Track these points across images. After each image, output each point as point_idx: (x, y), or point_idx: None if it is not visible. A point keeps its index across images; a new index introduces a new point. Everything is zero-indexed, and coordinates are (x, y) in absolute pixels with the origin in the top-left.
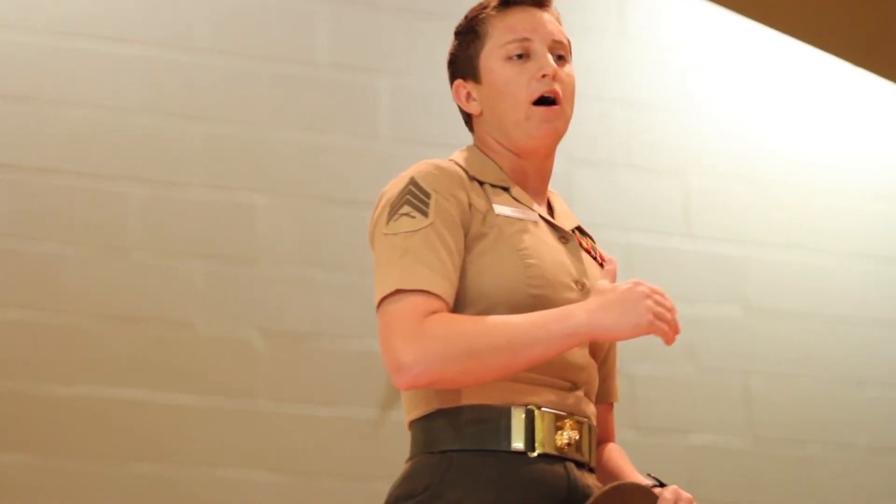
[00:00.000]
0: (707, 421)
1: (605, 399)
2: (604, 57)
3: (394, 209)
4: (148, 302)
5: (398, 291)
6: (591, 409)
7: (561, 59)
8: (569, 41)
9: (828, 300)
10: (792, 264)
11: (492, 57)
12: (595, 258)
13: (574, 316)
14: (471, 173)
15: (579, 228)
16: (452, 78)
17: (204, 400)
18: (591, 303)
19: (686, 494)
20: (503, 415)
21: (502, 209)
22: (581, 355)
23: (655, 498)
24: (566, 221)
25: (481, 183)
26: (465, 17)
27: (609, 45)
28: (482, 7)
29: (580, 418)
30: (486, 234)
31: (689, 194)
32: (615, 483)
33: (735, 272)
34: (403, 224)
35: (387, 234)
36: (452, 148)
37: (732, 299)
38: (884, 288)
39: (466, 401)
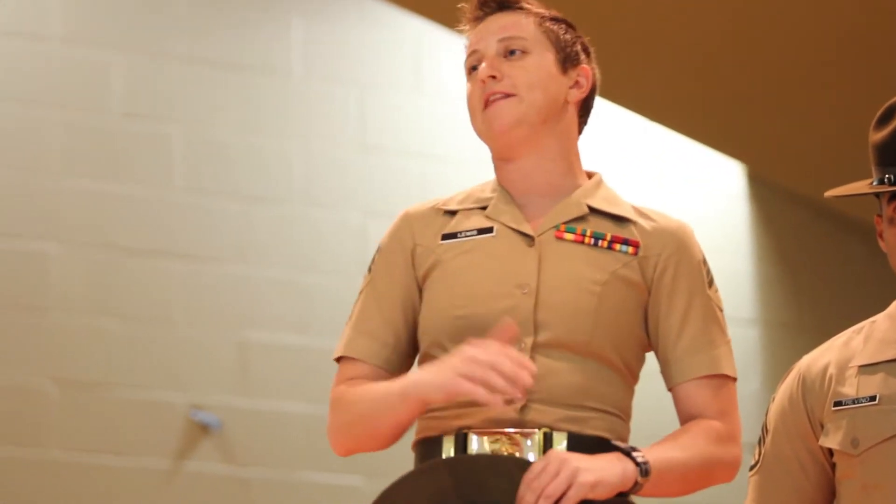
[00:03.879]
0: None
1: (676, 380)
2: (400, 111)
3: None
4: None
5: (338, 359)
6: (547, 416)
7: (513, 53)
8: (546, 29)
9: None
10: None
11: (466, 78)
12: (601, 243)
13: (407, 379)
14: (452, 204)
15: (601, 212)
16: None
17: None
18: (429, 366)
19: (556, 463)
20: (436, 444)
21: (450, 238)
22: None
23: (518, 467)
24: (563, 214)
25: (454, 212)
26: None
27: (404, 99)
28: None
29: (525, 431)
30: (434, 266)
31: None
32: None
33: None
34: (362, 283)
35: None
36: (245, 199)
37: None
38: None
39: (418, 435)
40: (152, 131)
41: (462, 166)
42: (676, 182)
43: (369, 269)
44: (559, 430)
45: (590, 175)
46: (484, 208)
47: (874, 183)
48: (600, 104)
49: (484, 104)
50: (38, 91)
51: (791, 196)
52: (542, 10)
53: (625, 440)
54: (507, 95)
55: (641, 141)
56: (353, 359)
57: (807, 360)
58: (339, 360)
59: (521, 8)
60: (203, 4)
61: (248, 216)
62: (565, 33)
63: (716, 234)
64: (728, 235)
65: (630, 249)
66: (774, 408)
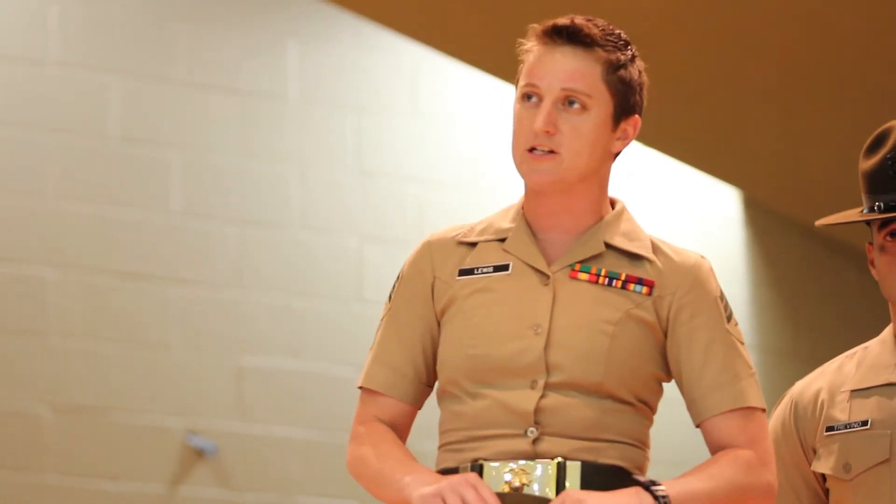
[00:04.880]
0: None
1: (703, 417)
2: (397, 135)
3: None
4: None
5: (360, 387)
6: (560, 447)
7: (573, 104)
8: (611, 79)
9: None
10: None
11: (516, 94)
12: (615, 283)
13: (410, 473)
14: (472, 236)
15: (617, 248)
16: None
17: None
18: (424, 476)
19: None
20: (454, 474)
21: (467, 274)
22: (529, 400)
23: None
24: (579, 252)
25: (474, 244)
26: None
27: (401, 124)
28: (532, 37)
29: (538, 462)
30: (451, 303)
31: None
32: None
33: None
34: (383, 310)
35: None
36: (242, 223)
37: None
38: None
39: (438, 466)
40: (149, 155)
41: (459, 191)
42: (671, 207)
43: (390, 297)
44: (573, 459)
45: (613, 202)
46: (502, 240)
47: (864, 211)
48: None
49: (529, 149)
50: (35, 115)
51: (786, 221)
52: (613, 55)
53: (642, 468)
54: (552, 151)
55: (637, 166)
56: (374, 391)
57: (799, 386)
58: (360, 388)
59: (593, 48)
60: (200, 29)
61: (244, 240)
62: (629, 79)
63: (711, 260)
64: (723, 261)
65: (644, 290)
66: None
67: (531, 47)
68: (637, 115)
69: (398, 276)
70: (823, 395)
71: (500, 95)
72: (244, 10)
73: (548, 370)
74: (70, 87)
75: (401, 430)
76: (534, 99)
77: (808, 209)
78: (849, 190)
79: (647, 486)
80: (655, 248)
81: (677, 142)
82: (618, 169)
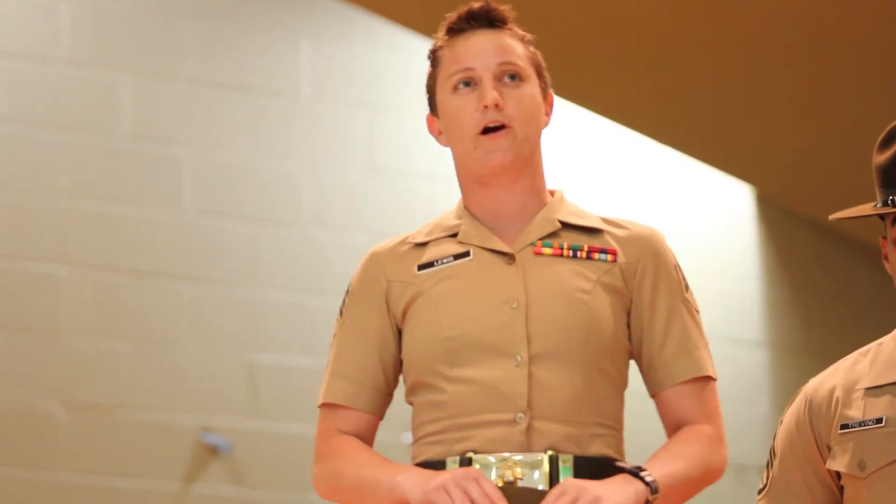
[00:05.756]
0: None
1: (663, 385)
2: (409, 132)
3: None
4: None
5: (320, 405)
6: (550, 435)
7: (512, 78)
8: (531, 54)
9: None
10: None
11: (443, 89)
12: (580, 254)
13: (397, 473)
14: (420, 237)
15: (572, 225)
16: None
17: (3, 471)
18: (418, 473)
19: (574, 490)
20: (441, 467)
21: (427, 268)
22: (519, 381)
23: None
24: (533, 233)
25: (425, 244)
26: (431, 48)
27: (413, 121)
28: (439, 35)
29: (530, 455)
30: (416, 297)
31: None
32: None
33: None
34: (335, 327)
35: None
36: (253, 221)
37: None
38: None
39: (418, 458)
40: (161, 154)
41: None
42: (685, 204)
43: (340, 312)
44: (564, 451)
45: (552, 192)
46: (454, 235)
47: (878, 205)
48: (610, 127)
49: (480, 130)
50: (47, 113)
51: (799, 218)
52: (523, 33)
53: (622, 454)
54: (503, 126)
55: (650, 163)
56: (335, 405)
57: (813, 383)
58: (321, 405)
59: (509, 26)
60: (212, 27)
61: (256, 238)
62: (539, 55)
63: (724, 256)
64: (736, 257)
65: (609, 257)
66: (782, 431)
67: (446, 41)
68: (551, 94)
69: (347, 291)
70: (838, 393)
71: None
72: (256, 7)
73: (529, 342)
74: (81, 85)
75: (366, 442)
76: (470, 84)
77: (821, 206)
78: (862, 186)
79: (635, 474)
80: (607, 222)
81: (690, 138)
82: (629, 168)
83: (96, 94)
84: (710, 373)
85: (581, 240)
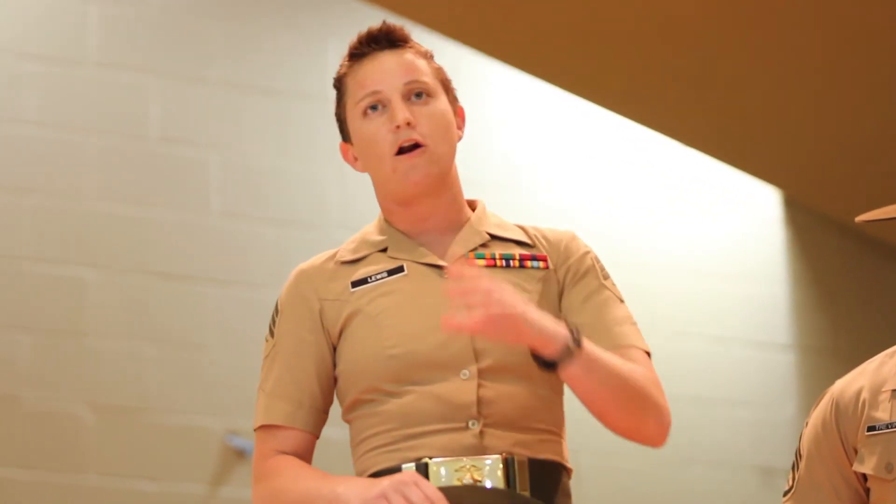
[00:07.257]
0: None
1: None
2: None
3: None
4: None
5: (258, 428)
6: (503, 441)
7: (419, 96)
8: (435, 69)
9: (696, 382)
10: (658, 349)
11: (353, 115)
12: (513, 263)
13: (337, 486)
14: (347, 255)
15: (499, 237)
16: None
17: (31, 474)
18: (358, 483)
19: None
20: (397, 473)
21: (361, 284)
22: (469, 391)
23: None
24: (463, 245)
25: (355, 261)
26: (335, 75)
27: None
28: (342, 62)
29: (485, 458)
30: (353, 315)
31: None
32: None
33: None
34: (265, 348)
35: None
36: (281, 223)
37: None
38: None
39: (370, 468)
40: (188, 156)
41: (497, 191)
42: (712, 207)
43: (271, 332)
44: (517, 454)
45: (471, 204)
46: (384, 250)
47: None
48: (638, 130)
49: (395, 151)
50: (74, 116)
51: (827, 221)
52: (424, 49)
53: (566, 459)
54: (418, 145)
55: (678, 166)
56: (274, 426)
57: (839, 385)
58: (258, 428)
59: (409, 44)
60: (239, 29)
61: (283, 241)
62: (443, 69)
63: (752, 259)
64: (764, 260)
65: (541, 264)
66: (808, 433)
67: (349, 67)
68: (461, 106)
69: (277, 310)
70: (865, 395)
71: (539, 96)
72: (283, 9)
73: (477, 358)
74: (109, 88)
75: (305, 461)
76: (378, 108)
77: (848, 208)
78: (890, 188)
79: (572, 331)
80: (528, 233)
81: (717, 141)
82: (649, 168)
83: (124, 98)
84: (638, 344)
85: (511, 249)
